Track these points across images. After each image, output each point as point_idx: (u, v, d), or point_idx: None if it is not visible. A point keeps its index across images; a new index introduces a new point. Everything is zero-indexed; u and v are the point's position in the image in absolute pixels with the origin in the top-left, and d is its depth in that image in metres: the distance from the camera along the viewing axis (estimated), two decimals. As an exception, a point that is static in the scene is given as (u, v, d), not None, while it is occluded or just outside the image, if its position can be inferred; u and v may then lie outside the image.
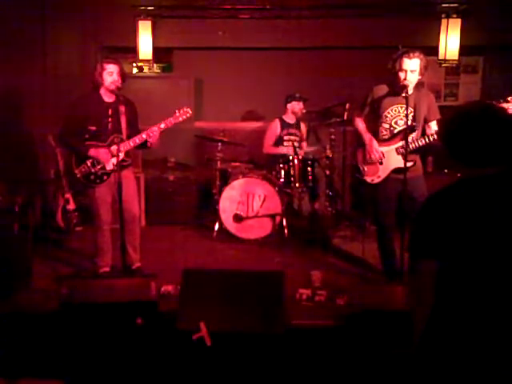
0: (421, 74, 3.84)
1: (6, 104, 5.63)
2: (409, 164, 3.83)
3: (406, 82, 3.79)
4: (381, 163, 4.05)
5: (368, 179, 4.10)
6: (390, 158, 4.01)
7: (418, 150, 3.97)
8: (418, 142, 3.89)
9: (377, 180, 4.07)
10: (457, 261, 1.86)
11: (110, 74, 4.08)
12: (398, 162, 3.95)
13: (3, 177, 4.72)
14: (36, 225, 5.27)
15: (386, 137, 4.03)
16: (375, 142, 4.03)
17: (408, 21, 6.22)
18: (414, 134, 3.93)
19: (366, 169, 4.10)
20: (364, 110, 4.13)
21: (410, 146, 3.85)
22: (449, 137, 1.96)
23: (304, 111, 5.89)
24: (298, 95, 5.87)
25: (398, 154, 3.97)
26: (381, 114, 4.00)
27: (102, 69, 4.09)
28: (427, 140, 3.86)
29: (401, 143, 3.94)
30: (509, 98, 3.60)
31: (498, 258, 1.82)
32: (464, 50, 6.22)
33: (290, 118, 5.94)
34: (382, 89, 4.01)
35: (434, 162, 5.87)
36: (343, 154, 6.07)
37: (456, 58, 6.21)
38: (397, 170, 3.95)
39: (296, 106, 5.87)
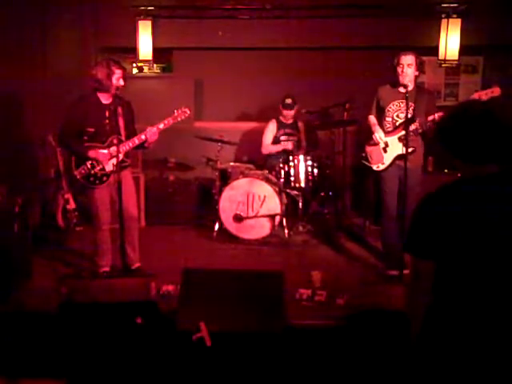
0: (417, 69, 4.31)
1: (6, 104, 5.64)
2: (410, 149, 4.16)
3: (404, 74, 4.23)
4: (385, 151, 4.37)
5: (374, 166, 4.45)
6: (394, 146, 4.34)
7: (419, 134, 4.29)
8: (418, 128, 4.25)
9: (382, 167, 4.41)
10: (454, 261, 1.86)
11: (118, 79, 4.10)
12: (400, 149, 4.28)
13: (3, 177, 4.72)
14: (36, 225, 5.27)
15: (390, 129, 4.40)
16: (381, 130, 4.42)
17: (408, 21, 6.21)
18: (413, 127, 4.25)
19: (372, 157, 4.45)
20: (373, 108, 4.55)
21: (411, 133, 4.21)
22: (446, 133, 1.96)
23: (303, 111, 5.89)
24: (288, 101, 5.83)
25: (400, 141, 4.28)
26: (384, 109, 4.42)
27: (112, 72, 4.09)
28: (424, 126, 4.21)
29: (403, 132, 4.24)
30: (493, 86, 4.00)
31: (496, 259, 1.82)
32: (464, 49, 6.21)
33: (285, 119, 5.95)
34: (384, 88, 4.47)
35: (433, 162, 5.87)
36: (343, 154, 6.06)
37: (456, 58, 6.21)
38: (399, 157, 4.29)
39: (284, 112, 5.87)
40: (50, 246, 5.15)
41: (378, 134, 4.40)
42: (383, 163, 4.41)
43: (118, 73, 4.11)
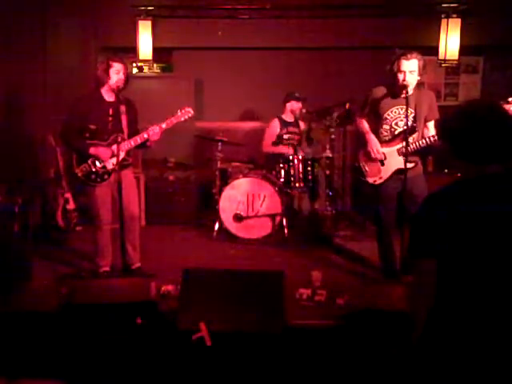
0: (420, 74, 3.85)
1: (6, 104, 5.64)
2: (411, 165, 3.88)
3: (405, 83, 3.79)
4: (382, 164, 4.05)
5: (370, 180, 4.12)
6: (392, 159, 4.02)
7: (419, 151, 3.98)
8: (419, 143, 3.91)
9: (379, 181, 4.08)
10: (456, 260, 1.86)
11: (117, 73, 4.09)
12: (399, 163, 3.94)
13: (3, 177, 4.72)
14: (36, 225, 5.27)
15: (387, 138, 4.04)
16: (377, 141, 4.05)
17: (408, 21, 6.22)
18: (415, 135, 3.95)
19: (367, 169, 4.11)
20: (364, 111, 4.15)
21: (411, 147, 3.88)
22: (450, 133, 1.96)
23: (304, 111, 5.89)
24: (296, 94, 5.86)
25: (400, 155, 3.96)
26: (381, 116, 4.01)
27: (109, 66, 4.09)
28: (428, 141, 3.88)
29: (402, 144, 3.93)
30: (510, 99, 3.58)
31: (497, 258, 1.82)
32: (464, 50, 6.22)
33: (288, 117, 5.94)
34: (381, 90, 4.02)
35: (434, 162, 5.87)
36: (343, 154, 6.07)
37: (456, 57, 6.21)
38: (398, 171, 3.96)
39: (295, 105, 5.87)
40: (50, 246, 5.16)
41: (376, 147, 3.99)
42: (381, 177, 4.04)
43: (115, 66, 4.09)
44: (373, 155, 4.03)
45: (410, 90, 3.83)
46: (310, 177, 5.53)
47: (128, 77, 4.20)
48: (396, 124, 3.99)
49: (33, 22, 5.98)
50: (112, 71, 4.09)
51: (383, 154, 4.03)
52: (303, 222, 5.72)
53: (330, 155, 5.79)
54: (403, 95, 3.79)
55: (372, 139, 4.05)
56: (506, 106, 3.49)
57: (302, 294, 3.69)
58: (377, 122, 4.06)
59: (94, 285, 3.68)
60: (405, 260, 3.90)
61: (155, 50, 6.39)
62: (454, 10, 6.12)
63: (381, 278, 4.23)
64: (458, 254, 1.85)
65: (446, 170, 5.68)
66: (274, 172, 5.57)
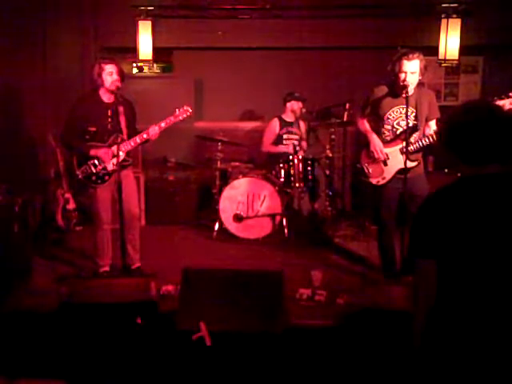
0: (421, 74, 3.85)
1: (6, 104, 5.63)
2: (413, 164, 3.90)
3: (406, 83, 3.79)
4: (385, 164, 4.05)
5: (373, 181, 4.11)
6: (395, 158, 4.01)
7: (422, 150, 3.99)
8: (422, 142, 3.91)
9: (382, 181, 4.07)
10: (456, 260, 1.86)
11: (110, 74, 4.09)
12: (402, 162, 3.91)
13: (3, 177, 4.72)
14: (36, 224, 5.27)
15: (389, 138, 4.04)
16: (380, 142, 4.04)
17: (408, 21, 6.22)
18: (416, 134, 3.95)
19: (370, 170, 4.11)
20: (365, 111, 4.15)
21: (414, 146, 3.90)
22: (449, 134, 1.95)
23: (304, 110, 5.89)
24: (297, 94, 5.86)
25: (403, 154, 3.94)
26: (382, 116, 4.01)
27: (101, 69, 4.09)
28: (430, 139, 3.88)
29: (404, 144, 3.92)
30: (510, 94, 3.57)
31: (497, 258, 1.82)
32: (464, 50, 6.21)
33: (289, 117, 5.93)
34: (382, 90, 4.02)
35: (434, 162, 5.87)
36: (343, 154, 6.07)
37: (456, 57, 6.20)
38: (401, 171, 3.94)
39: (295, 105, 5.86)
40: (49, 245, 5.16)
41: (379, 147, 3.98)
42: (384, 178, 4.03)
43: (107, 68, 4.09)
44: (376, 155, 4.02)
45: (411, 90, 3.84)
46: (310, 177, 5.52)
47: (123, 74, 4.20)
48: (398, 124, 3.98)
49: (33, 23, 5.97)
50: (105, 74, 4.09)
51: (386, 154, 4.02)
52: (303, 221, 5.71)
53: (330, 155, 5.80)
54: (404, 95, 3.80)
55: (375, 139, 4.04)
56: (506, 100, 3.50)
57: (302, 294, 3.70)
58: (378, 122, 4.06)
59: (94, 285, 3.68)
60: (405, 260, 3.90)
61: (155, 50, 6.39)
62: (454, 10, 6.11)
63: (381, 278, 4.23)
64: (457, 254, 1.85)
65: (446, 170, 5.67)
66: (273, 172, 5.56)
